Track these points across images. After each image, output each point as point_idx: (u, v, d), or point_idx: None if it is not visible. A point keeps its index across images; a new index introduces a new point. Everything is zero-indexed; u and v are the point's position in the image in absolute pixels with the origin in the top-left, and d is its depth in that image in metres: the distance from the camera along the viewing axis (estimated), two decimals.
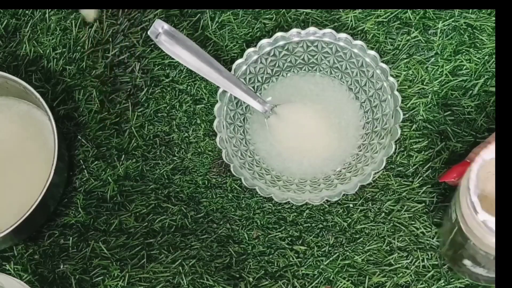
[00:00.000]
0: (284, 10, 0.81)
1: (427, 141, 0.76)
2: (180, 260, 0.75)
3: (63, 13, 0.82)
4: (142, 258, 0.75)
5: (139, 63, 0.81)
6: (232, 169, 0.74)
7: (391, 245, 0.74)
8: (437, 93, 0.77)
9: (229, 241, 0.75)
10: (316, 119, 0.77)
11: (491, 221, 0.57)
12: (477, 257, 0.64)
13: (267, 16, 0.81)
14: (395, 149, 0.74)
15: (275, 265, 0.74)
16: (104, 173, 0.78)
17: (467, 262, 0.67)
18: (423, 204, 0.74)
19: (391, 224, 0.74)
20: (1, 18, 0.83)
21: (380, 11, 0.80)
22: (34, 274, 0.75)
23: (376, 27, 0.80)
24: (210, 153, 0.78)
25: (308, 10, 0.81)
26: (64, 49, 0.81)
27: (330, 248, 0.74)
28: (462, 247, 0.65)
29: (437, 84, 0.77)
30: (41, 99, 0.74)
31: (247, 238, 0.75)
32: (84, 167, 0.78)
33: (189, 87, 0.80)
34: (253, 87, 0.77)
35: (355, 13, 0.80)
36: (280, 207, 0.76)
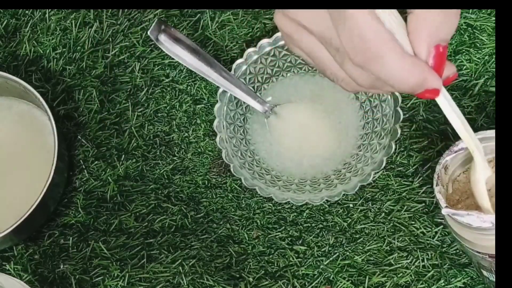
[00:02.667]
0: None
1: (427, 141, 0.76)
2: (180, 260, 0.75)
3: (63, 13, 0.82)
4: (142, 258, 0.75)
5: (139, 63, 0.81)
6: (232, 169, 0.74)
7: (391, 245, 0.74)
8: None
9: (229, 241, 0.75)
10: (316, 119, 0.77)
11: (458, 214, 0.59)
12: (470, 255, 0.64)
13: (267, 16, 0.81)
14: (395, 149, 0.74)
15: (275, 265, 0.74)
16: (104, 173, 0.78)
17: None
18: (423, 204, 0.74)
19: (391, 224, 0.74)
20: (1, 18, 0.83)
21: None
22: (34, 274, 0.75)
23: None
24: (210, 153, 0.78)
25: None
26: (64, 49, 0.81)
27: (330, 248, 0.74)
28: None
29: None
30: (41, 99, 0.74)
31: (247, 238, 0.75)
32: (84, 167, 0.78)
33: (189, 87, 0.80)
34: (253, 87, 0.77)
35: None
36: (280, 207, 0.76)
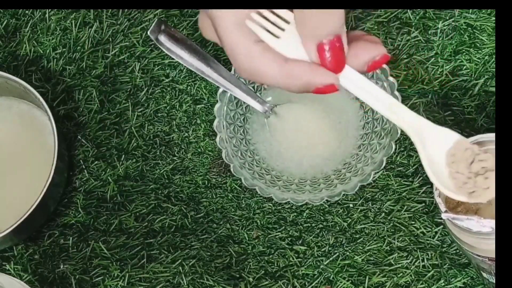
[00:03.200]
0: None
1: None
2: (180, 260, 0.75)
3: (63, 13, 0.82)
4: (142, 258, 0.75)
5: (139, 63, 0.81)
6: (232, 169, 0.74)
7: (391, 245, 0.74)
8: (437, 93, 0.77)
9: (229, 241, 0.75)
10: (316, 119, 0.77)
11: (458, 219, 0.59)
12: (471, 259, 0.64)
13: None
14: (395, 149, 0.74)
15: (275, 265, 0.74)
16: (104, 173, 0.78)
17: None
18: (423, 204, 0.74)
19: (391, 224, 0.74)
20: (1, 18, 0.83)
21: (380, 11, 0.80)
22: (34, 274, 0.75)
23: (376, 27, 0.80)
24: (210, 153, 0.78)
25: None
26: (64, 49, 0.81)
27: (330, 248, 0.74)
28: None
29: (437, 84, 0.77)
30: (41, 99, 0.74)
31: (247, 238, 0.75)
32: (84, 167, 0.78)
33: (189, 87, 0.80)
34: (253, 87, 0.77)
35: (355, 13, 0.80)
36: (280, 207, 0.76)
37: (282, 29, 0.50)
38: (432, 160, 0.53)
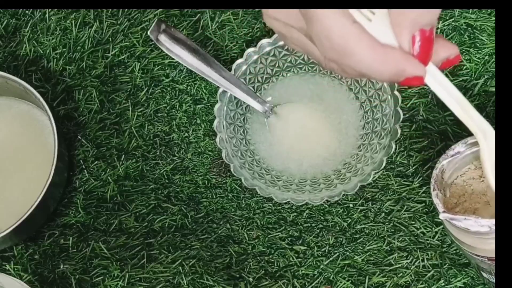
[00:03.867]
0: None
1: (427, 141, 0.76)
2: (180, 260, 0.75)
3: (63, 13, 0.82)
4: (142, 258, 0.75)
5: (139, 63, 0.81)
6: (232, 169, 0.74)
7: (391, 245, 0.74)
8: None
9: (229, 241, 0.75)
10: (316, 119, 0.77)
11: (455, 219, 0.59)
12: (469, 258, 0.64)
13: None
14: (395, 149, 0.74)
15: (275, 265, 0.74)
16: (104, 173, 0.78)
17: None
18: (423, 204, 0.74)
19: (391, 224, 0.74)
20: (1, 18, 0.83)
21: None
22: (34, 274, 0.75)
23: None
24: (210, 153, 0.78)
25: None
26: (64, 49, 0.81)
27: (330, 248, 0.74)
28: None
29: None
30: (41, 99, 0.74)
31: (247, 238, 0.75)
32: (84, 167, 0.78)
33: (189, 87, 0.80)
34: (253, 87, 0.77)
35: None
36: (280, 207, 0.76)
37: (373, 13, 0.48)
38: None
